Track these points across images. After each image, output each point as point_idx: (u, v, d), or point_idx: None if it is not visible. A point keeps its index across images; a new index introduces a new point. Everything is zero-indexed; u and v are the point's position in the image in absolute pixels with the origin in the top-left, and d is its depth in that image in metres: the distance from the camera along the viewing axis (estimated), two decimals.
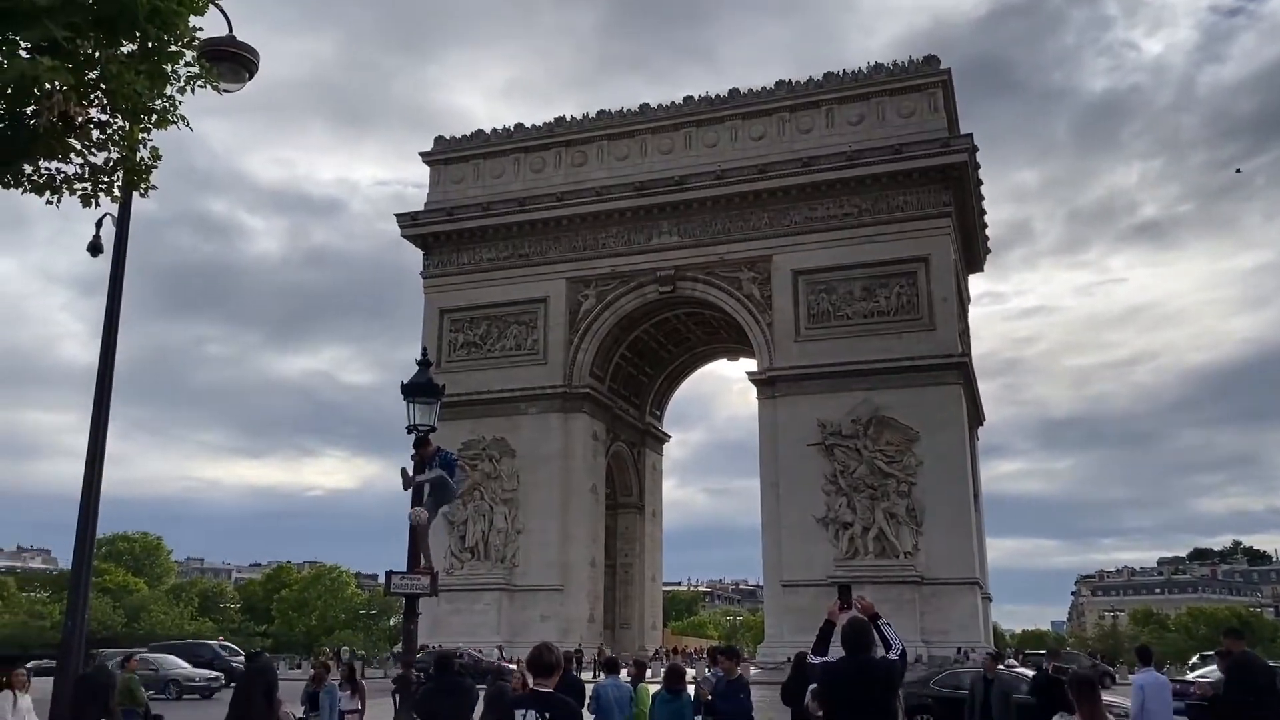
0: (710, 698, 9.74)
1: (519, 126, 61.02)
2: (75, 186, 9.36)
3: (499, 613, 53.74)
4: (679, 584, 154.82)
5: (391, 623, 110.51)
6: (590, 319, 57.22)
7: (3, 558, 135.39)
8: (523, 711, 5.84)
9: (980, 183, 57.90)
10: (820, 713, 6.10)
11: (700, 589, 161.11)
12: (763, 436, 52.41)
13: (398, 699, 11.96)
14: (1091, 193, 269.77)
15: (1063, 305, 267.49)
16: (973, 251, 61.54)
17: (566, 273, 57.53)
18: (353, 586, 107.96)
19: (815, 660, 6.29)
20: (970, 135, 52.49)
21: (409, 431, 12.38)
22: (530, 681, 6.18)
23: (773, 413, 51.89)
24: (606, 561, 60.89)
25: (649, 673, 13.44)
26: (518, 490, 55.95)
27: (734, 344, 62.73)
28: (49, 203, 9.35)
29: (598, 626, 56.63)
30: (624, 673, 11.73)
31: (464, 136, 61.69)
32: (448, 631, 50.35)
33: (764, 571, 52.08)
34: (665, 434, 70.00)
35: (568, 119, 60.16)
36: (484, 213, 58.80)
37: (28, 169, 9.16)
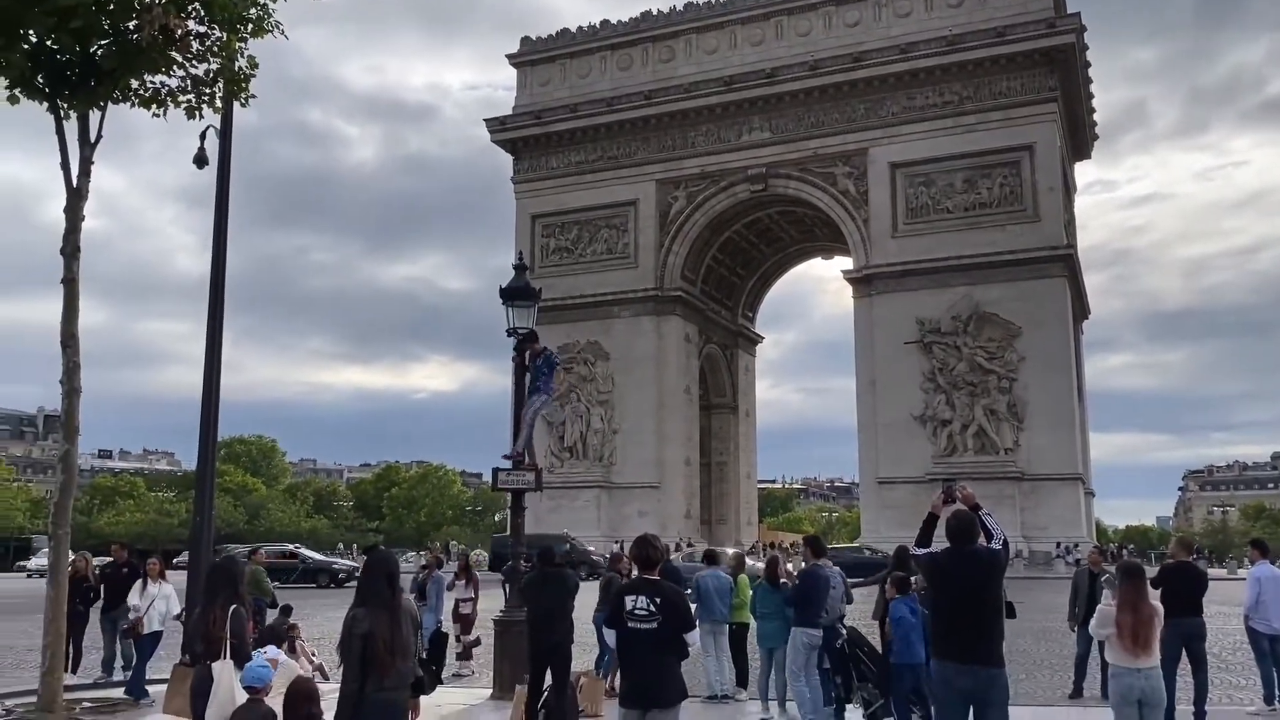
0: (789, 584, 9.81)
1: (605, 23, 59.79)
2: (179, 99, 9.58)
3: (598, 508, 55.35)
4: (773, 481, 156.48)
5: (496, 518, 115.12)
6: (680, 221, 56.79)
7: (131, 460, 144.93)
8: (633, 598, 6.01)
9: (1088, 64, 54.72)
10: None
11: (795, 486, 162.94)
12: (859, 335, 51.90)
13: (507, 588, 12.44)
14: (1214, 70, 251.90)
15: (1179, 191, 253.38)
16: (1080, 138, 58.56)
17: (656, 174, 56.99)
18: (458, 485, 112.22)
19: (919, 552, 6.27)
20: (1078, 14, 49.41)
21: (509, 335, 12.54)
22: (635, 571, 6.34)
23: (869, 311, 51.19)
24: (701, 460, 61.76)
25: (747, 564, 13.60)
26: (613, 392, 56.85)
27: (829, 242, 61.52)
28: (155, 115, 9.58)
29: (694, 522, 57.88)
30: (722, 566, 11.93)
31: (550, 36, 60.78)
32: (549, 526, 52.24)
33: (860, 469, 52.30)
34: (758, 335, 69.80)
35: (654, 13, 58.65)
36: (571, 115, 58.28)
37: (134, 84, 9.41)
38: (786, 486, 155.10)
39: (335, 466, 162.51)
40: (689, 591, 10.74)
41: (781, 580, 10.02)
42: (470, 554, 24.35)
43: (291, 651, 10.80)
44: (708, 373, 64.63)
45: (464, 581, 14.80)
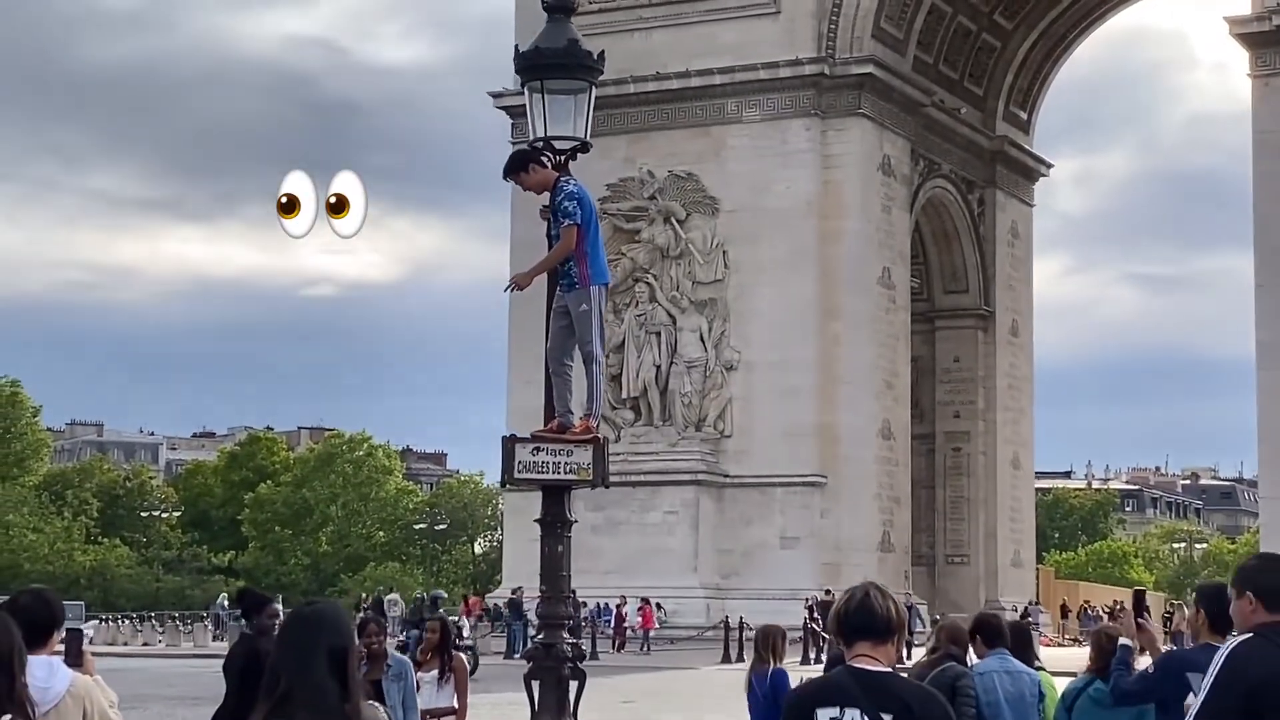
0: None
1: None
2: None
3: (693, 528, 55.79)
4: (1067, 474, 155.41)
5: (476, 548, 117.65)
6: None
7: None
8: (835, 711, 6.06)
9: None
10: None
11: (1114, 485, 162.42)
12: (1260, 158, 51.38)
13: (537, 688, 12.75)
14: None
15: None
16: None
17: None
18: (398, 476, 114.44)
19: None
20: None
21: (514, 170, 12.59)
22: (845, 654, 6.39)
23: None
24: (916, 430, 62.00)
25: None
26: (725, 283, 57.01)
27: None
28: None
29: (897, 557, 58.16)
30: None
31: None
32: (588, 558, 52.67)
33: (1260, 450, 52.54)
34: (1040, 161, 69.47)
35: None
36: None
37: None
38: (1097, 487, 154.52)
39: (145, 438, 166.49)
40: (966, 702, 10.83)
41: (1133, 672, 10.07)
42: (443, 613, 24.83)
43: None
44: (929, 241, 64.43)
45: (437, 670, 15.09)
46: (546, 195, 12.61)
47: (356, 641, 6.39)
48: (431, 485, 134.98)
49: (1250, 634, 6.96)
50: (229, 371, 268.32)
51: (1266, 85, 51.68)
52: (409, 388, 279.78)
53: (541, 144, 13.08)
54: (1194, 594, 9.79)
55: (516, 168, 12.60)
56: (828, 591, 43.87)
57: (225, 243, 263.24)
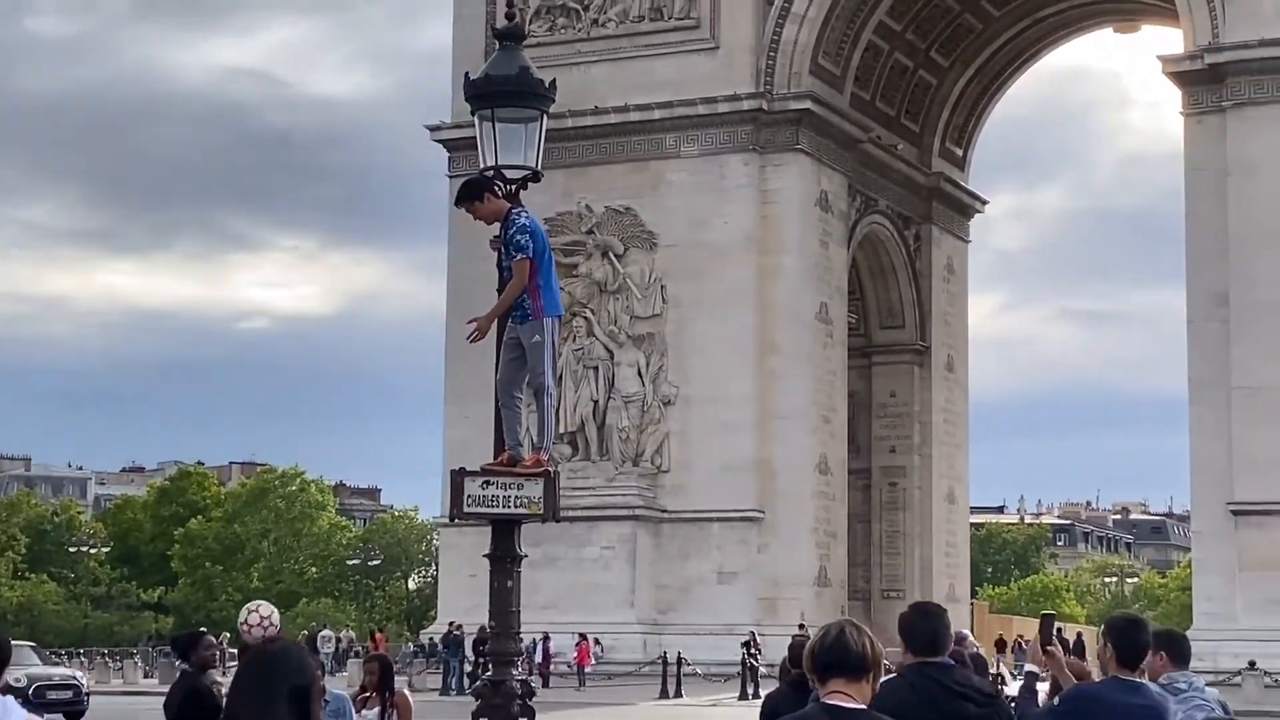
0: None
1: None
2: None
3: (630, 562, 55.70)
4: (1000, 508, 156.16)
5: (410, 584, 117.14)
6: None
7: None
8: None
9: None
10: None
11: (1046, 520, 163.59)
12: (1194, 192, 51.81)
13: None
14: None
15: None
16: None
17: None
18: (331, 512, 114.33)
19: None
20: None
21: (468, 198, 12.44)
22: (819, 691, 6.30)
23: (1216, 142, 50.96)
24: (853, 464, 62.05)
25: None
26: (663, 317, 57.01)
27: None
28: None
29: (836, 594, 58.15)
30: None
31: None
32: (525, 593, 52.48)
33: (1192, 485, 52.76)
34: (975, 196, 69.81)
35: None
36: None
37: None
38: (1029, 521, 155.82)
39: (74, 473, 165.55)
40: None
41: None
42: (378, 643, 24.59)
43: None
44: (865, 277, 64.54)
45: (380, 708, 14.98)
46: (497, 226, 12.51)
47: (320, 681, 6.31)
48: (365, 521, 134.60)
49: None
50: (160, 405, 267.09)
51: (1198, 124, 52.05)
52: (343, 422, 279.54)
53: (492, 173, 12.93)
54: (1103, 627, 9.78)
55: (470, 195, 12.43)
56: (801, 627, 43.81)
57: (159, 275, 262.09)
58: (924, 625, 7.54)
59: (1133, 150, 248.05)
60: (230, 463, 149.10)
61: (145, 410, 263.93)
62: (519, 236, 12.17)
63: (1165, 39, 59.99)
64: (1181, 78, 52.33)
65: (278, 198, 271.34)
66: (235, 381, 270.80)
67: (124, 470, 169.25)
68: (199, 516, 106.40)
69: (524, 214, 12.43)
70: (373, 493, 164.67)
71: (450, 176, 57.82)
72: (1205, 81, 51.41)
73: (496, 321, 12.83)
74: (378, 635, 65.03)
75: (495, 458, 12.73)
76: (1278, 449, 48.37)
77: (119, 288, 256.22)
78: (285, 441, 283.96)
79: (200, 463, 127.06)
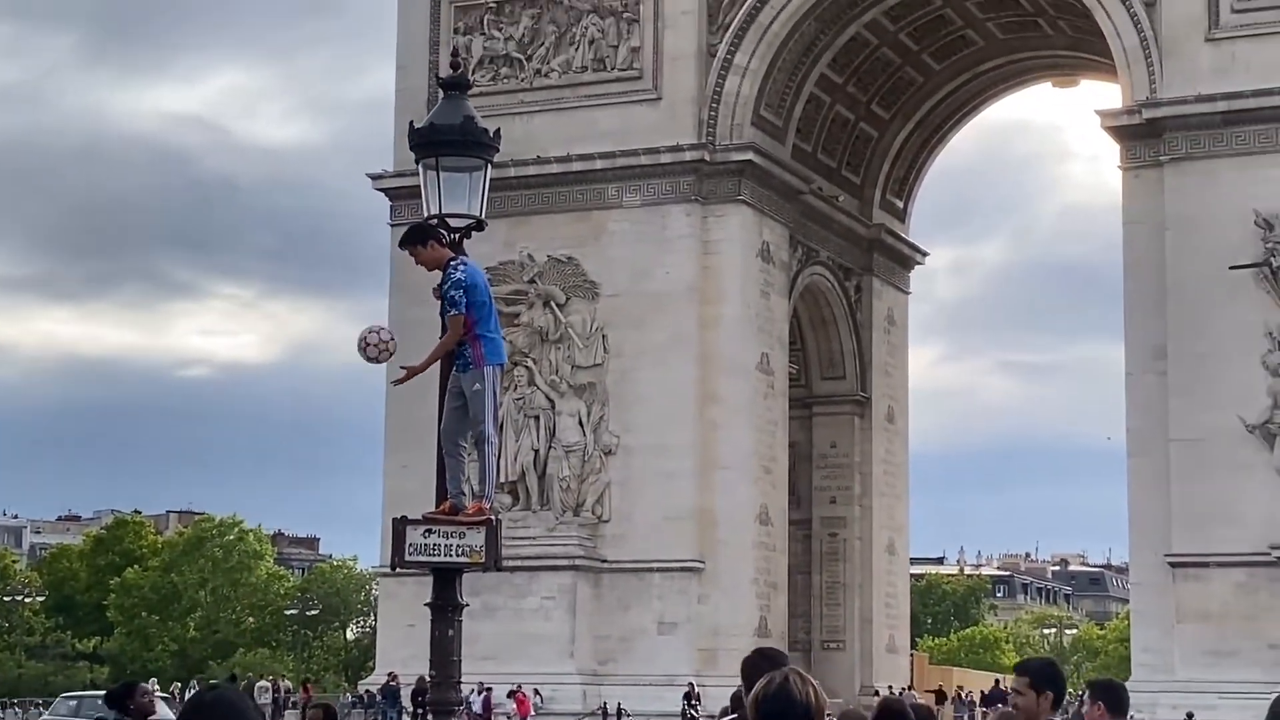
0: None
1: None
2: None
3: (570, 612, 55.43)
4: (939, 559, 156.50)
5: (349, 634, 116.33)
6: (753, 1, 56.50)
7: None
8: None
9: None
10: None
11: (986, 571, 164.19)
12: (1132, 247, 52.19)
13: None
14: None
15: None
16: None
17: None
18: (269, 561, 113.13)
19: None
20: None
21: (411, 241, 12.44)
22: None
23: (1154, 196, 51.28)
24: (793, 515, 61.97)
25: None
26: (604, 367, 56.94)
27: (1067, 52, 61.64)
28: None
29: (775, 644, 57.85)
30: None
31: None
32: (464, 644, 52.30)
33: (1130, 537, 52.78)
34: (915, 248, 70.04)
35: None
36: None
37: None
38: (969, 573, 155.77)
39: (9, 521, 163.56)
40: None
41: None
42: (309, 693, 24.45)
43: None
44: (806, 327, 64.61)
45: None
46: (439, 274, 12.51)
47: None
48: (303, 570, 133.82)
49: None
50: (97, 453, 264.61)
51: (1136, 177, 52.45)
52: (282, 471, 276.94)
53: (436, 221, 12.94)
54: (1088, 689, 10.00)
55: (415, 239, 12.45)
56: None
57: (97, 322, 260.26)
58: (767, 668, 7.52)
59: (1072, 203, 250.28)
60: (168, 511, 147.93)
61: (83, 458, 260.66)
62: (453, 293, 12.20)
63: (1104, 94, 60.57)
64: (1120, 132, 52.80)
65: (219, 245, 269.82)
66: (174, 430, 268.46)
67: (60, 519, 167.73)
68: (135, 566, 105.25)
69: (462, 266, 12.44)
70: (311, 542, 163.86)
71: (392, 225, 57.80)
72: (1143, 136, 51.85)
73: (440, 368, 12.83)
74: (309, 686, 64.63)
75: (437, 506, 12.71)
76: (1215, 501, 48.67)
77: (58, 335, 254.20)
78: (224, 490, 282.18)
79: (137, 511, 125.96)
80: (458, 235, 13.03)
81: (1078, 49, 60.43)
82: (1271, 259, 49.16)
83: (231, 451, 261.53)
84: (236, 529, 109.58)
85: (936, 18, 61.03)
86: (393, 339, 13.03)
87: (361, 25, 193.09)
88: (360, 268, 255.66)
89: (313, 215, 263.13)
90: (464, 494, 12.59)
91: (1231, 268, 49.41)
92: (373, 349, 13.05)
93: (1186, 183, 50.91)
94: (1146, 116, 51.37)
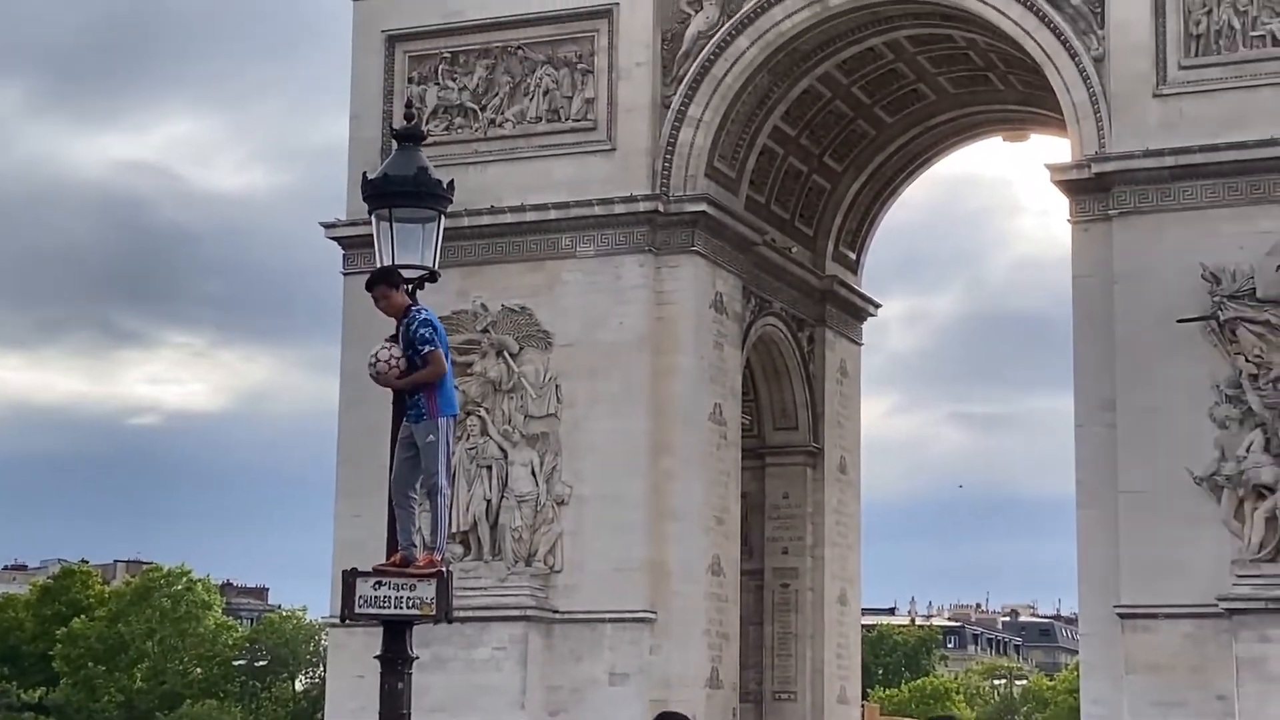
0: None
1: None
2: None
3: (521, 663, 55.16)
4: (890, 609, 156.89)
5: (298, 685, 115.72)
6: (707, 53, 56.70)
7: None
8: None
9: None
10: None
11: (937, 622, 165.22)
12: (1082, 301, 52.47)
13: None
14: None
15: None
16: None
17: None
18: (218, 611, 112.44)
19: None
20: None
21: (381, 283, 12.52)
22: None
23: (1103, 250, 51.44)
24: (745, 565, 61.78)
25: None
26: (557, 417, 56.71)
27: (1018, 106, 61.90)
28: None
29: (728, 695, 57.81)
30: None
31: None
32: (414, 695, 52.05)
33: (1080, 588, 52.74)
34: (868, 299, 70.07)
35: None
36: None
37: None
38: (920, 624, 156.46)
39: None
40: None
41: None
42: None
43: None
44: (759, 378, 64.77)
45: None
46: (393, 322, 12.56)
47: None
48: (252, 620, 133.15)
49: None
50: (45, 502, 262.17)
51: (1085, 231, 52.69)
52: (231, 520, 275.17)
53: (392, 276, 12.99)
54: None
55: (382, 281, 12.50)
56: None
57: (46, 370, 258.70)
58: None
59: (1023, 256, 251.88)
60: (115, 561, 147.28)
61: (29, 507, 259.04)
62: (423, 330, 12.29)
63: (1054, 148, 60.66)
64: (1069, 186, 53.03)
65: (169, 293, 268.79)
66: (122, 478, 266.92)
67: (6, 568, 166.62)
68: (82, 615, 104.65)
69: (424, 310, 12.54)
70: (260, 592, 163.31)
71: (345, 274, 57.63)
72: (1092, 190, 52.13)
73: (392, 418, 12.86)
74: None
75: (388, 558, 12.71)
76: (1163, 552, 48.88)
77: (6, 383, 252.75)
78: (172, 539, 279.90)
79: (84, 560, 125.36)
80: (411, 286, 13.04)
81: (1028, 103, 60.58)
82: (1219, 312, 49.58)
83: (180, 500, 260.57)
84: (185, 579, 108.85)
85: (889, 71, 61.31)
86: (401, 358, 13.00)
87: (315, 74, 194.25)
88: (312, 317, 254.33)
89: (264, 264, 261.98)
90: (415, 545, 12.59)
91: (1179, 320, 49.77)
92: (383, 364, 13.07)
93: (1135, 237, 51.31)
94: (1095, 171, 51.68)
